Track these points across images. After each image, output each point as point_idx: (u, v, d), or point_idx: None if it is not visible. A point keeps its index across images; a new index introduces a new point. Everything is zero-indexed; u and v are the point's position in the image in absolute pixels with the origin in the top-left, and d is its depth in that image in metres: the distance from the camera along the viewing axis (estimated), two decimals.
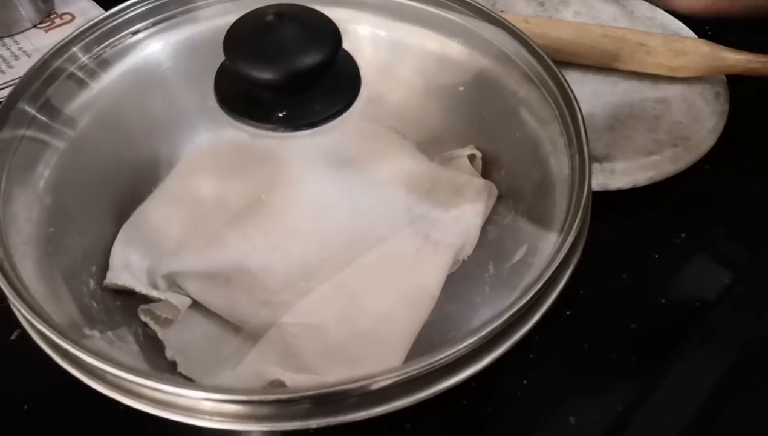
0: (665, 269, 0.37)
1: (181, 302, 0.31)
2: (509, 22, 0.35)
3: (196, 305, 0.32)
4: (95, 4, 0.53)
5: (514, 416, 0.32)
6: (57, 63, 0.34)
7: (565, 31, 0.42)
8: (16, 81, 0.46)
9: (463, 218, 0.34)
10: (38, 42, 0.50)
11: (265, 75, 0.26)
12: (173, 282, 0.32)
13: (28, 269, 0.27)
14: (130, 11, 0.36)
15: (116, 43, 0.36)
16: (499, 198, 0.35)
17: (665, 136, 0.39)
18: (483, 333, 0.24)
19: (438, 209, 0.34)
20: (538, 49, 0.34)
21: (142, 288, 0.30)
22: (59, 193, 0.31)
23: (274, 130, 0.27)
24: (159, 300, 0.31)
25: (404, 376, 0.23)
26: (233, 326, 0.31)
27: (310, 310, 0.31)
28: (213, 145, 0.37)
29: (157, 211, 0.34)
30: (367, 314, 0.30)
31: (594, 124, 0.40)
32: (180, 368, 0.29)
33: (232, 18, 0.38)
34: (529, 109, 0.34)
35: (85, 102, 0.34)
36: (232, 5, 0.39)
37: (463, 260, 0.34)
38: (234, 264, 0.32)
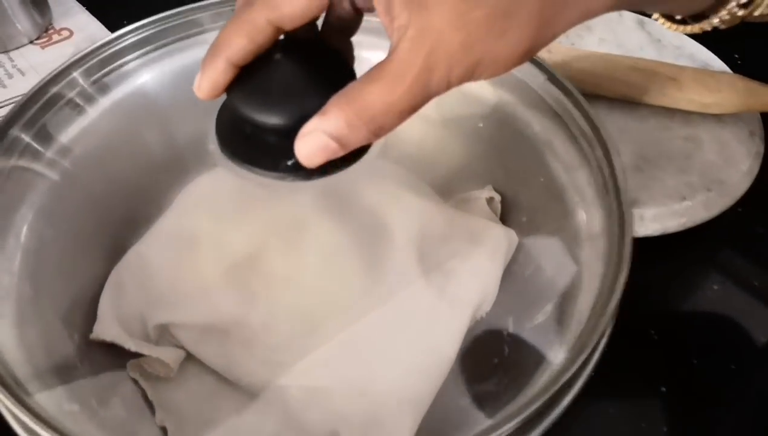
0: (697, 324, 0.34)
1: (174, 357, 0.28)
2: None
3: (190, 357, 0.29)
4: (94, 18, 0.51)
5: None
6: (53, 90, 0.31)
7: (591, 62, 0.39)
8: (9, 102, 0.45)
9: (482, 270, 0.31)
10: (34, 59, 0.48)
11: (271, 120, 0.23)
12: (166, 332, 0.30)
13: (5, 331, 0.24)
14: (129, 37, 0.34)
15: (113, 70, 0.34)
16: (520, 246, 0.32)
17: (697, 178, 0.36)
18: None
19: (454, 260, 0.31)
20: (566, 82, 0.31)
21: (132, 345, 0.28)
22: (45, 234, 0.29)
23: (282, 179, 0.24)
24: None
25: None
26: (230, 383, 0.29)
27: (313, 371, 0.28)
28: (211, 183, 0.34)
29: (151, 254, 0.32)
30: (378, 377, 0.28)
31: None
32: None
33: None
34: (555, 152, 0.32)
35: (78, 133, 0.32)
36: None
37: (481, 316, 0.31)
38: (232, 317, 0.30)
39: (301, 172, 0.24)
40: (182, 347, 0.29)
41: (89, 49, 0.33)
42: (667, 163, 0.37)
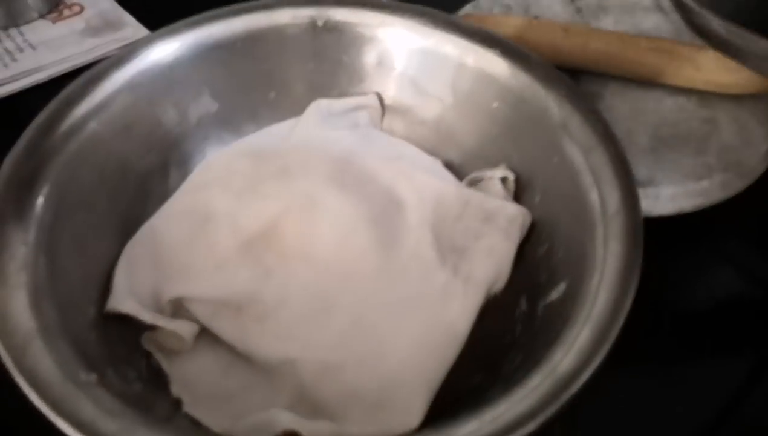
0: (711, 308, 0.34)
1: (189, 331, 0.29)
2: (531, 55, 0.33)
3: (204, 331, 0.29)
4: None
5: None
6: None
7: (607, 42, 0.39)
8: (20, 76, 0.45)
9: (495, 248, 0.31)
10: (45, 34, 0.48)
11: None
12: (181, 306, 0.30)
13: (20, 300, 0.24)
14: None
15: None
16: (533, 225, 0.32)
17: (715, 160, 0.36)
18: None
19: (468, 238, 0.31)
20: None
21: (147, 317, 0.28)
22: (60, 208, 0.29)
23: None
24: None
25: None
26: (244, 357, 0.29)
27: (327, 347, 0.28)
28: (226, 159, 0.34)
29: (165, 229, 0.32)
30: (390, 354, 0.28)
31: (636, 143, 0.37)
32: (186, 408, 0.27)
33: (250, 20, 0.36)
34: (570, 132, 0.32)
35: (91, 106, 0.32)
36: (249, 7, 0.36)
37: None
38: (246, 292, 0.30)
39: None
40: (197, 321, 0.29)
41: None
42: (683, 144, 0.37)
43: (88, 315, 0.27)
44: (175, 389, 0.27)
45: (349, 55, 0.37)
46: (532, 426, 0.22)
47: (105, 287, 0.29)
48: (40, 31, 0.48)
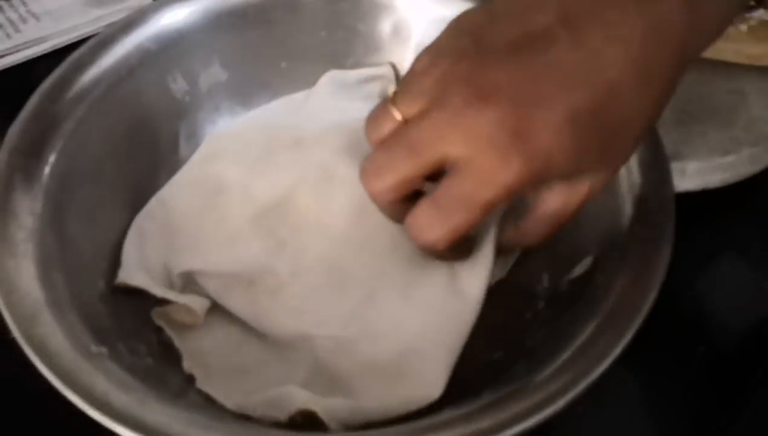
0: (737, 284, 0.33)
1: (200, 305, 0.28)
2: None
3: (216, 306, 0.29)
4: None
5: None
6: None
7: None
8: (24, 46, 0.44)
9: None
10: (49, 4, 0.46)
11: None
12: (192, 280, 0.29)
13: (28, 271, 0.24)
14: None
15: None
16: None
17: (743, 133, 0.35)
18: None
19: None
20: None
21: (158, 290, 0.27)
22: (67, 179, 0.28)
23: None
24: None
25: None
26: (257, 332, 0.28)
27: (342, 320, 0.27)
28: (238, 130, 0.33)
29: (175, 201, 0.31)
30: (406, 325, 0.27)
31: (661, 117, 0.35)
32: (198, 384, 0.26)
33: None
34: None
35: (99, 72, 0.31)
36: None
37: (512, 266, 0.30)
38: (258, 265, 0.29)
39: None
40: (208, 296, 0.29)
41: None
42: (710, 117, 0.36)
43: (98, 287, 0.27)
44: (187, 365, 0.27)
45: (364, 23, 0.36)
46: (561, 403, 0.21)
47: (114, 260, 0.29)
48: (44, 1, 0.47)
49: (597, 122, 0.22)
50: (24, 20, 0.45)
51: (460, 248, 0.27)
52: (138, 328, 0.27)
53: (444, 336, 0.27)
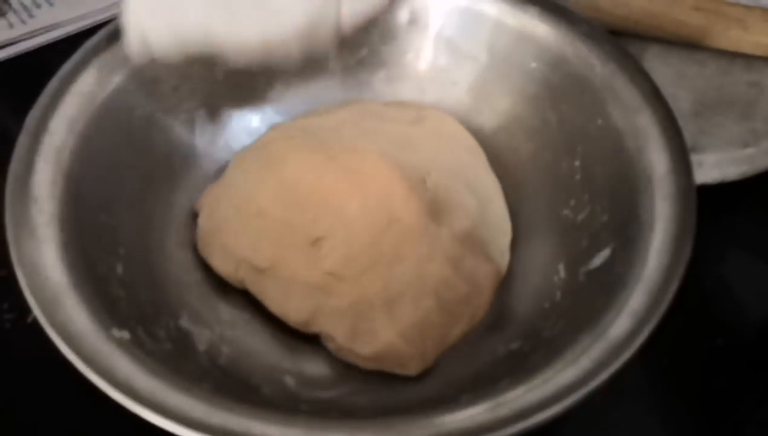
0: (755, 276, 0.33)
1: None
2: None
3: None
4: None
5: None
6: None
7: (651, 1, 0.37)
8: (37, 32, 0.44)
9: None
10: None
11: None
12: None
13: (50, 254, 0.24)
14: None
15: None
16: (571, 189, 0.31)
17: (761, 125, 0.34)
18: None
19: None
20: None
21: None
22: (86, 164, 0.28)
23: None
24: None
25: None
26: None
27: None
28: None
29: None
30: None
31: (678, 108, 0.35)
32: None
33: None
34: (614, 93, 0.30)
35: (117, 57, 0.30)
36: None
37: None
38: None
39: None
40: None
41: None
42: (728, 109, 0.35)
43: (117, 273, 0.26)
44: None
45: None
46: (583, 392, 0.21)
47: (133, 246, 0.28)
48: None
49: None
50: (38, 5, 0.45)
51: None
52: (156, 313, 0.27)
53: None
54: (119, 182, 0.30)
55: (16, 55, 0.43)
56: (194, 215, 0.32)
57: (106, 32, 0.31)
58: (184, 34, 0.25)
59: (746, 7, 0.37)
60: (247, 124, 0.35)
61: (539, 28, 0.33)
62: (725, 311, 0.31)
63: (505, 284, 0.30)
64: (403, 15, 0.35)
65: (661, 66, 0.37)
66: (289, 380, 0.27)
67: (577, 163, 0.31)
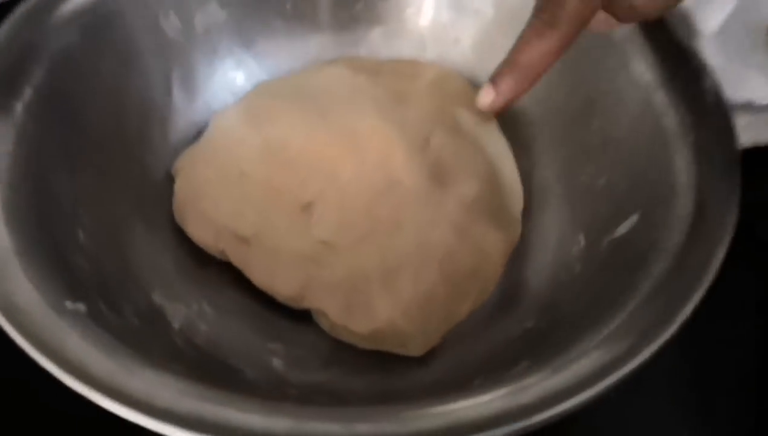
0: None
1: None
2: None
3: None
4: None
5: None
6: None
7: None
8: None
9: None
10: None
11: None
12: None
13: None
14: None
15: None
16: (592, 154, 0.28)
17: None
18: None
19: None
20: None
21: None
22: (46, 119, 0.25)
23: None
24: None
25: None
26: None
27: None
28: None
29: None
30: None
31: None
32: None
33: None
34: (638, 46, 0.27)
35: (82, 4, 0.27)
36: None
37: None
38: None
39: None
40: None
41: None
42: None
43: (78, 240, 0.23)
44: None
45: None
46: (616, 376, 0.18)
47: (97, 211, 0.25)
48: None
49: None
50: None
51: None
52: (123, 286, 0.23)
53: None
54: (84, 141, 0.26)
55: None
56: (171, 180, 0.29)
57: None
58: None
59: None
60: (230, 82, 0.32)
61: None
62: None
63: (516, 254, 0.27)
64: None
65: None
66: (276, 362, 0.24)
67: (596, 124, 0.29)
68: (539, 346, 0.22)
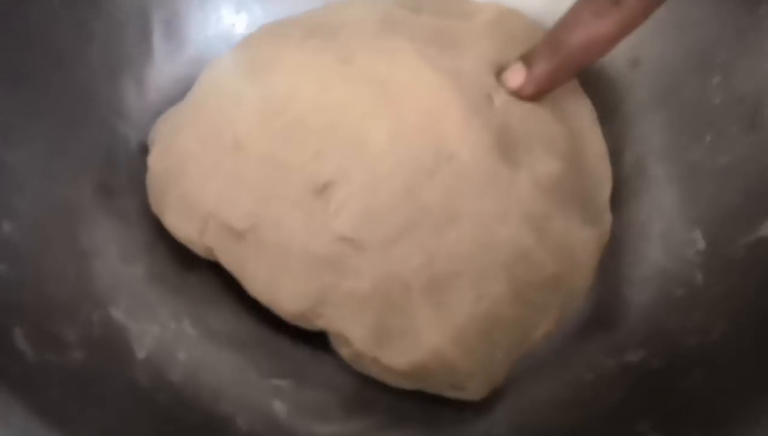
0: None
1: None
2: None
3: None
4: None
5: None
6: None
7: None
8: None
9: None
10: None
11: None
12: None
13: None
14: None
15: None
16: (710, 119, 0.23)
17: None
18: None
19: None
20: None
21: None
22: None
23: None
24: None
25: None
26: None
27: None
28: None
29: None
30: None
31: None
32: None
33: None
34: None
35: None
36: None
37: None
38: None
39: None
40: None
41: None
42: None
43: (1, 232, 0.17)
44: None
45: None
46: None
47: (38, 192, 0.20)
48: None
49: None
50: None
51: None
52: (66, 299, 0.19)
53: None
54: (28, 101, 0.21)
55: None
56: (146, 153, 0.23)
57: None
58: None
59: None
60: (226, 28, 0.26)
61: None
62: None
63: (608, 258, 0.21)
64: None
65: None
66: (279, 407, 0.20)
67: (716, 79, 0.23)
68: (661, 397, 0.15)
